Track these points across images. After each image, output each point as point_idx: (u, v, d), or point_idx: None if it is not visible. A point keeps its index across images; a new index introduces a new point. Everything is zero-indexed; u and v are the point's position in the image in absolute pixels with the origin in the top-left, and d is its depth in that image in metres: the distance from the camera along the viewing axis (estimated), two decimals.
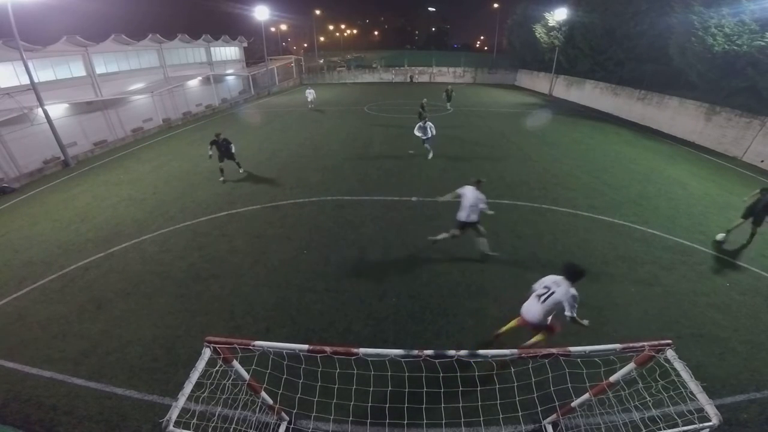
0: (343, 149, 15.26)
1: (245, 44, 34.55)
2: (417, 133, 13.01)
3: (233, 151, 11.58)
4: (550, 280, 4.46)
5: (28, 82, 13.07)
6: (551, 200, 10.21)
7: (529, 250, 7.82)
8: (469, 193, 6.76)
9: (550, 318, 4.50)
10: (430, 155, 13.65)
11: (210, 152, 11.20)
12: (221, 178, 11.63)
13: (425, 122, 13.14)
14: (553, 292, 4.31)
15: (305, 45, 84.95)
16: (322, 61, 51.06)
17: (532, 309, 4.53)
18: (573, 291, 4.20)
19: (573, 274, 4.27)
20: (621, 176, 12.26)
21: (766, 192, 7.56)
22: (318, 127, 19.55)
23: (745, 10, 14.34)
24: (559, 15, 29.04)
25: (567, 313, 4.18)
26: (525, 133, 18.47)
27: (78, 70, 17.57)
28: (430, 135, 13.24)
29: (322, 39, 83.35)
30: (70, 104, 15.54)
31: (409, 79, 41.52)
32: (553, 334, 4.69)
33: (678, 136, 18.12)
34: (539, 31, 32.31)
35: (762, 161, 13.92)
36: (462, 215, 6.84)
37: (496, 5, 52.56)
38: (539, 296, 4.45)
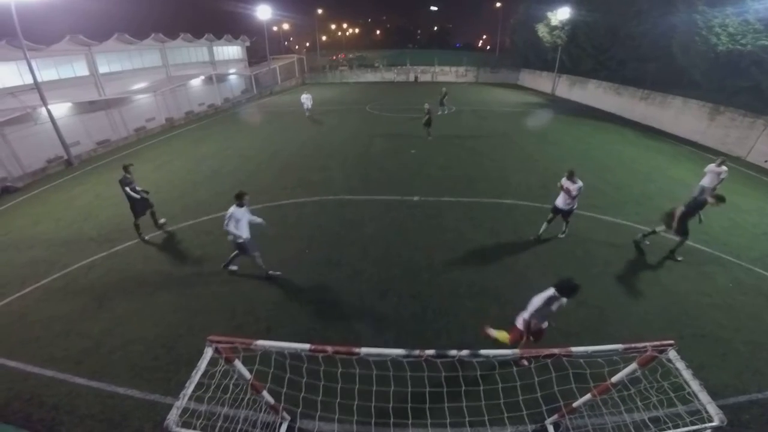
0: (344, 148, 15.25)
1: (248, 43, 34.62)
2: (227, 227, 6.14)
3: (136, 196, 8.01)
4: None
5: (32, 81, 13.13)
6: (553, 200, 10.14)
7: (530, 249, 7.82)
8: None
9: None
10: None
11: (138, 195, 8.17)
12: (145, 236, 8.40)
13: (241, 206, 6.20)
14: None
15: (308, 44, 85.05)
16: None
17: None
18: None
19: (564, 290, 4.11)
20: (623, 176, 12.21)
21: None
22: (319, 127, 19.56)
23: (749, 10, 14.26)
24: (562, 14, 28.95)
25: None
26: (527, 132, 18.41)
27: (81, 69, 17.65)
28: (245, 243, 6.30)
29: (324, 38, 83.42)
30: (74, 104, 15.60)
31: (413, 79, 41.91)
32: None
33: (681, 136, 18.00)
34: (542, 30, 32.18)
35: (766, 161, 13.83)
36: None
37: (498, 4, 52.52)
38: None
